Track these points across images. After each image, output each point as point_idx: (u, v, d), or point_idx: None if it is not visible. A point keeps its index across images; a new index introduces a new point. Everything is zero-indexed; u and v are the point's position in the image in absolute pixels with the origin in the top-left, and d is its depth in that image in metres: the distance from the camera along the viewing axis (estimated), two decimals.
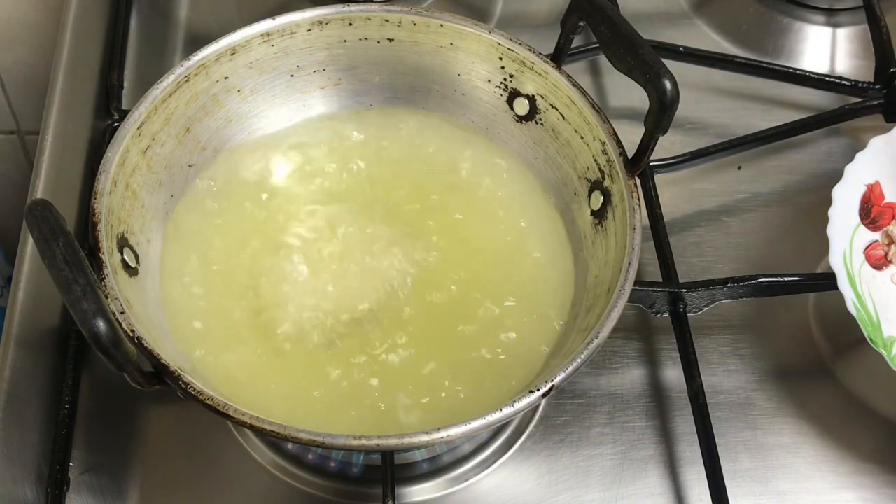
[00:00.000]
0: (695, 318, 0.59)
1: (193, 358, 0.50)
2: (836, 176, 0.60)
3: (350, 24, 0.58)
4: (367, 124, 0.61)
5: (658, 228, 0.63)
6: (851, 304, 0.55)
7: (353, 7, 0.58)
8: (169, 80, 0.55)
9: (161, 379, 0.45)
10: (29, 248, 0.59)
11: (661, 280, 0.61)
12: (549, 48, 0.57)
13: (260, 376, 0.51)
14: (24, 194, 0.61)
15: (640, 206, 0.51)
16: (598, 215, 0.54)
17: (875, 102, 0.69)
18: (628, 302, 0.48)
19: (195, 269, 0.54)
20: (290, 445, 0.55)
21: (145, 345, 0.45)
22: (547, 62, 0.57)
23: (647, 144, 0.51)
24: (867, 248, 0.59)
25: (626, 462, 0.56)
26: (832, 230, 0.57)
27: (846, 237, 0.58)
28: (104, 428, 0.56)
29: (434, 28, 0.58)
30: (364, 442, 0.43)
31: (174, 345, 0.50)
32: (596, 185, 0.55)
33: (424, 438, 0.43)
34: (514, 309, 0.54)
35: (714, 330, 0.61)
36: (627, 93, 0.71)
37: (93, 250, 0.48)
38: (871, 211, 0.60)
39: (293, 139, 0.60)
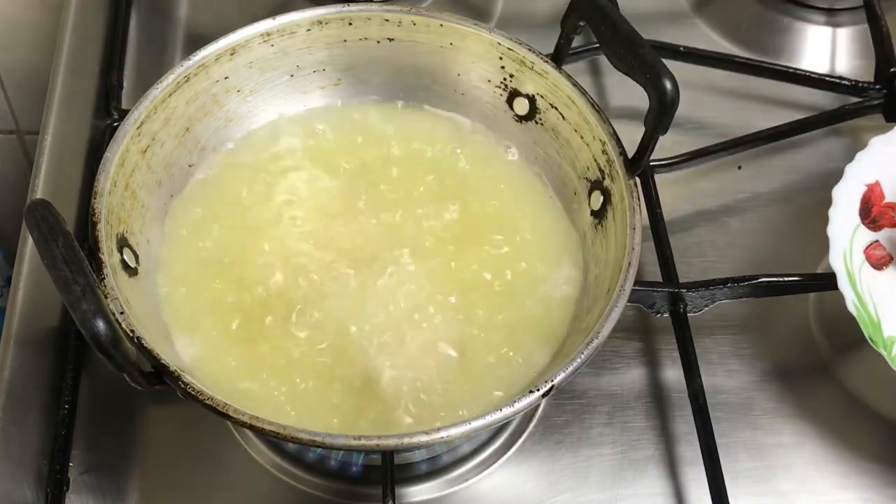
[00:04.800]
0: (695, 318, 0.59)
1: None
2: (836, 176, 0.60)
3: (350, 23, 0.58)
4: (367, 124, 0.61)
5: (658, 228, 0.63)
6: (851, 304, 0.55)
7: (353, 7, 0.58)
8: (169, 80, 0.55)
9: (161, 379, 0.45)
10: (29, 248, 0.59)
11: (661, 280, 0.61)
12: (549, 48, 0.57)
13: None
14: (24, 194, 0.61)
15: (640, 206, 0.51)
16: (598, 215, 0.54)
17: (875, 102, 0.69)
18: (628, 302, 0.48)
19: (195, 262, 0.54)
20: (289, 445, 0.55)
21: (145, 345, 0.45)
22: (547, 62, 0.57)
23: (647, 144, 0.51)
24: (867, 248, 0.59)
25: (626, 462, 0.56)
26: (832, 230, 0.57)
27: (846, 237, 0.58)
28: (104, 428, 0.56)
29: (434, 28, 0.58)
30: (364, 442, 0.43)
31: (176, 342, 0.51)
32: (596, 185, 0.55)
33: (424, 438, 0.43)
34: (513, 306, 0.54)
35: (714, 330, 0.61)
36: (627, 93, 0.71)
37: (92, 250, 0.48)
38: (871, 211, 0.60)
39: (290, 135, 0.60)
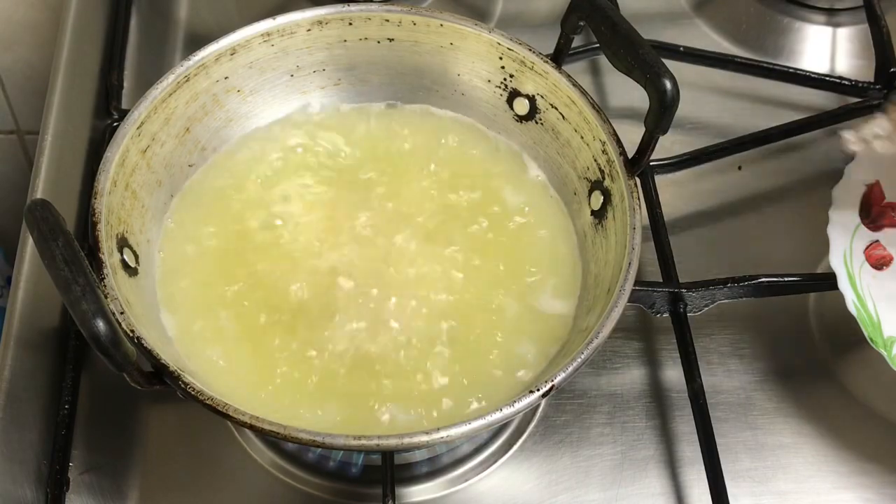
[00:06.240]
0: (695, 318, 0.59)
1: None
2: (836, 176, 0.60)
3: (350, 23, 0.58)
4: (367, 123, 0.61)
5: (658, 228, 0.63)
6: (851, 304, 0.55)
7: (353, 7, 0.58)
8: (169, 80, 0.55)
9: (161, 379, 0.45)
10: (29, 248, 0.59)
11: (661, 280, 0.61)
12: (549, 48, 0.57)
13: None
14: (24, 194, 0.61)
15: (640, 206, 0.51)
16: (598, 215, 0.54)
17: (875, 102, 0.69)
18: (628, 302, 0.48)
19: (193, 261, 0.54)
20: (289, 445, 0.55)
21: (145, 345, 0.45)
22: (547, 62, 0.57)
23: (647, 144, 0.51)
24: (867, 247, 0.59)
25: (626, 462, 0.56)
26: (832, 230, 0.57)
27: (846, 237, 0.58)
28: (104, 428, 0.56)
29: (434, 28, 0.58)
30: (364, 442, 0.43)
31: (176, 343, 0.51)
32: (596, 185, 0.55)
33: (424, 438, 0.43)
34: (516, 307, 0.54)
35: (714, 330, 0.61)
36: (627, 93, 0.71)
37: (92, 250, 0.48)
38: (871, 211, 0.60)
39: (290, 135, 0.60)
